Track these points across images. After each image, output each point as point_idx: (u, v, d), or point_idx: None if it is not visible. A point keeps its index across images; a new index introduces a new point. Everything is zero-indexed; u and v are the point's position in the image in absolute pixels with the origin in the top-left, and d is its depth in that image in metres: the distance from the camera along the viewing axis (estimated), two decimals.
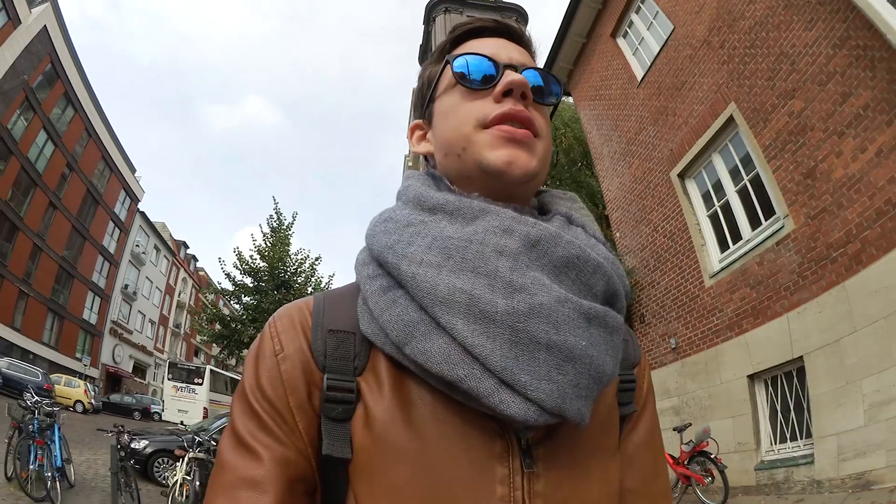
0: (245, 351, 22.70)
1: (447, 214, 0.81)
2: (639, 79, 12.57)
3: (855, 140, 7.38)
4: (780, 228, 8.53)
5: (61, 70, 40.44)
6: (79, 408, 28.43)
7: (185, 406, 28.33)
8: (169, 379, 31.58)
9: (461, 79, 0.87)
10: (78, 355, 44.90)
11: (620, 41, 13.56)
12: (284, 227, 24.21)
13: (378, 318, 0.76)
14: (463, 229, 0.78)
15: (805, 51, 8.17)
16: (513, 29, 0.95)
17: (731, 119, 9.74)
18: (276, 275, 22.92)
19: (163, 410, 32.60)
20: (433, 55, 1.00)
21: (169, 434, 13.77)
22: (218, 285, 27.21)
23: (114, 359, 51.83)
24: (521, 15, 58.69)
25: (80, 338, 46.41)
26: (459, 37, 0.96)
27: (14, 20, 34.14)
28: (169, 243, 65.94)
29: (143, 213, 58.01)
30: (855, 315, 7.09)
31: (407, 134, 1.05)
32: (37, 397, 8.83)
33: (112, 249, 51.65)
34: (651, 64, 12.07)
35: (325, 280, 24.95)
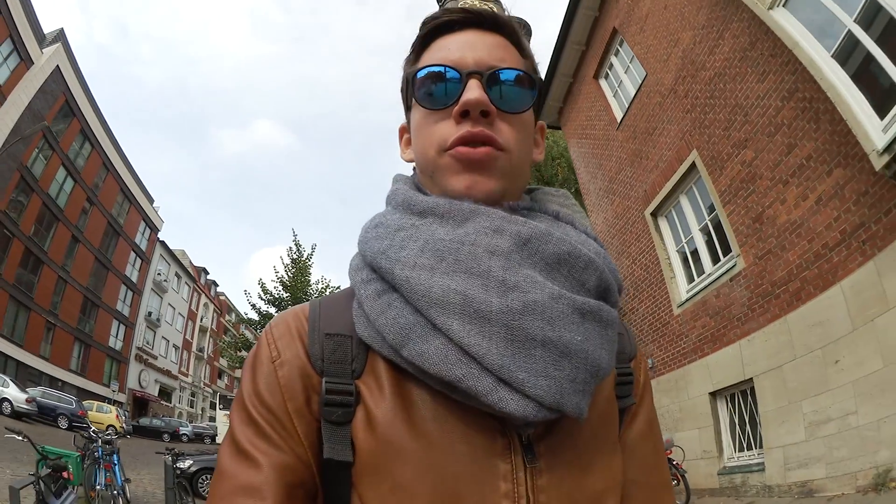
0: None
1: (438, 217, 0.81)
2: (618, 121, 13.46)
3: (798, 188, 8.09)
4: (734, 266, 9.45)
5: (76, 107, 41.71)
6: (110, 431, 29.16)
7: None
8: (220, 409, 33.98)
9: (422, 101, 0.87)
10: (105, 381, 46.18)
11: (602, 82, 14.41)
12: (304, 257, 25.56)
13: (374, 321, 0.77)
14: (454, 231, 0.78)
15: (757, 102, 8.81)
16: (485, 16, 0.91)
17: (693, 165, 10.60)
18: (299, 303, 23.81)
19: (216, 436, 35.08)
20: (409, 52, 0.97)
21: (206, 455, 15.08)
22: (244, 315, 28.57)
23: (140, 383, 53.18)
24: (526, 29, 58.94)
25: (107, 364, 47.72)
26: (428, 34, 0.92)
27: (27, 61, 35.39)
28: (189, 270, 67.91)
29: (163, 243, 59.58)
30: (795, 345, 7.97)
31: (398, 136, 1.05)
32: (93, 427, 9.71)
33: (134, 278, 53.22)
34: (628, 108, 12.99)
35: None
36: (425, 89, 0.86)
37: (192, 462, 13.22)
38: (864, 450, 6.89)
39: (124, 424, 32.28)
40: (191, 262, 70.47)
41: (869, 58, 6.99)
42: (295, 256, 25.48)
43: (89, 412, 29.89)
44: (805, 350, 7.80)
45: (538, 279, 0.73)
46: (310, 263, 25.72)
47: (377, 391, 0.77)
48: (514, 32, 0.92)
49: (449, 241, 0.76)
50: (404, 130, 1.01)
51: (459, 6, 0.93)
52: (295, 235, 26.42)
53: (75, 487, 7.25)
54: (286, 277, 24.88)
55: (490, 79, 0.84)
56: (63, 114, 40.33)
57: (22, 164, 34.87)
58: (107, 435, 9.62)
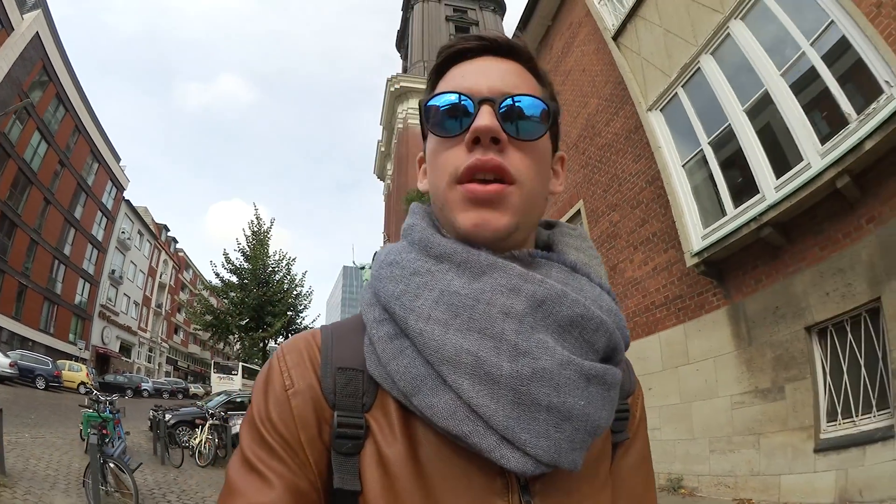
0: (231, 337, 27.57)
1: (454, 266, 0.80)
2: None
3: (642, 255, 9.98)
4: None
5: (53, 73, 42.50)
6: (82, 390, 31.68)
7: (227, 389, 32.57)
8: (215, 372, 38.04)
9: (434, 129, 0.86)
10: (71, 338, 47.94)
11: None
12: (264, 230, 28.15)
13: (385, 365, 0.78)
14: (470, 285, 0.78)
15: (629, 178, 10.50)
16: (499, 43, 0.89)
17: (579, 212, 12.46)
18: (257, 274, 26.81)
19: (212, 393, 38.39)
20: (427, 82, 0.97)
21: (182, 409, 18.36)
22: (209, 283, 31.73)
23: (102, 340, 55.12)
24: (499, 4, 58.67)
25: (73, 322, 49.33)
26: (444, 63, 0.92)
27: (7, 27, 36.07)
28: (151, 227, 69.19)
29: (128, 201, 61.15)
30: None
31: (417, 165, 1.02)
32: (97, 392, 11.36)
33: (100, 237, 54.71)
34: None
35: (298, 277, 29.31)
36: (437, 117, 0.85)
37: (170, 416, 16.29)
38: (665, 459, 8.76)
39: (94, 382, 34.22)
40: (153, 219, 71.69)
41: (710, 176, 8.45)
42: (255, 229, 27.96)
43: (63, 371, 32.07)
44: None
45: (549, 344, 0.75)
46: (269, 237, 28.26)
47: (387, 429, 0.79)
48: (531, 59, 0.92)
49: (464, 295, 0.76)
50: (422, 161, 0.99)
51: (475, 34, 0.91)
52: (256, 209, 29.13)
53: (115, 440, 9.40)
54: (247, 249, 27.39)
55: (503, 105, 0.82)
56: (40, 80, 41.11)
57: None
58: (111, 399, 11.67)
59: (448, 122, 0.84)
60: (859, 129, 6.23)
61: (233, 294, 26.86)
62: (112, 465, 8.21)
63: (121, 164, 59.29)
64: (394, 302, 0.80)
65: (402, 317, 0.78)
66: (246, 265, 27.11)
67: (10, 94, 36.27)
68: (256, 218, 28.39)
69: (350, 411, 0.80)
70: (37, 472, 9.35)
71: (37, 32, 39.54)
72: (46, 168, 43.30)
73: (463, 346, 0.73)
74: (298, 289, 29.21)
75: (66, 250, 47.85)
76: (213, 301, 32.60)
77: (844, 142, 6.39)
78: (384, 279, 0.85)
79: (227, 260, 27.22)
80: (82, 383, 32.56)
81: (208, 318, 28.07)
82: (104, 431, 8.78)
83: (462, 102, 0.83)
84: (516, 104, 0.83)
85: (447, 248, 0.82)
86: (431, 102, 0.86)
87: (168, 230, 78.53)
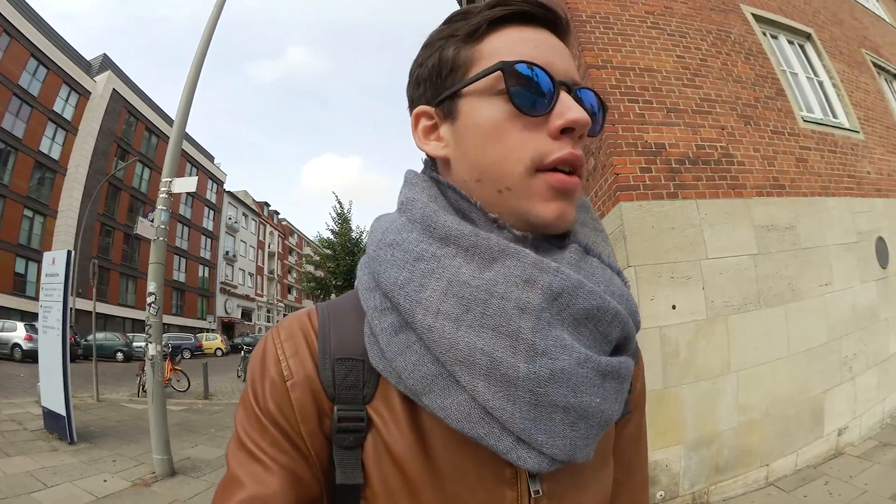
0: (333, 296, 32.46)
1: (462, 250, 0.72)
2: None
3: None
4: None
5: (138, 113, 48.86)
6: (218, 353, 42.73)
7: None
8: None
9: (518, 99, 0.73)
10: (200, 315, 57.42)
11: None
12: (346, 211, 35.55)
13: (391, 360, 0.73)
14: (481, 274, 0.70)
15: None
16: (562, 20, 0.80)
17: None
18: (345, 246, 34.28)
19: None
20: (457, 24, 0.80)
21: None
22: (310, 258, 42.08)
23: (225, 310, 63.61)
24: None
25: (199, 301, 58.95)
26: (499, 19, 0.78)
27: (84, 94, 41.73)
28: (253, 207, 74.81)
29: (228, 192, 67.23)
30: None
31: (411, 121, 0.85)
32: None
33: (210, 228, 62.24)
34: None
35: None
36: (522, 87, 0.73)
37: None
38: None
39: (226, 345, 44.61)
40: (253, 199, 76.20)
41: None
42: (339, 212, 35.33)
43: (204, 342, 42.69)
44: None
45: (566, 341, 0.69)
46: (349, 217, 35.55)
47: (392, 423, 0.75)
48: (570, 36, 0.83)
49: (475, 287, 0.69)
50: (424, 115, 0.84)
51: None
52: (336, 196, 39.37)
53: None
54: (335, 227, 34.95)
55: (578, 95, 0.77)
56: (128, 122, 47.81)
57: (106, 174, 41.01)
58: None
59: (534, 97, 0.73)
60: None
61: (329, 265, 34.54)
62: None
63: (216, 162, 65.11)
64: (397, 291, 0.73)
65: (408, 309, 0.71)
66: (335, 240, 34.49)
67: (107, 143, 44.03)
68: (338, 203, 35.86)
69: (351, 404, 0.77)
70: (223, 392, 17.80)
71: (113, 89, 45.30)
72: (154, 186, 49.58)
73: (477, 346, 0.67)
74: None
75: (184, 246, 56.49)
76: (314, 269, 41.40)
77: None
78: (384, 262, 0.76)
79: (321, 240, 35.52)
80: (218, 348, 43.35)
81: (312, 284, 36.68)
82: None
83: (545, 80, 0.74)
84: (590, 97, 0.80)
85: (453, 228, 0.73)
86: (519, 68, 0.73)
87: (269, 205, 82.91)
